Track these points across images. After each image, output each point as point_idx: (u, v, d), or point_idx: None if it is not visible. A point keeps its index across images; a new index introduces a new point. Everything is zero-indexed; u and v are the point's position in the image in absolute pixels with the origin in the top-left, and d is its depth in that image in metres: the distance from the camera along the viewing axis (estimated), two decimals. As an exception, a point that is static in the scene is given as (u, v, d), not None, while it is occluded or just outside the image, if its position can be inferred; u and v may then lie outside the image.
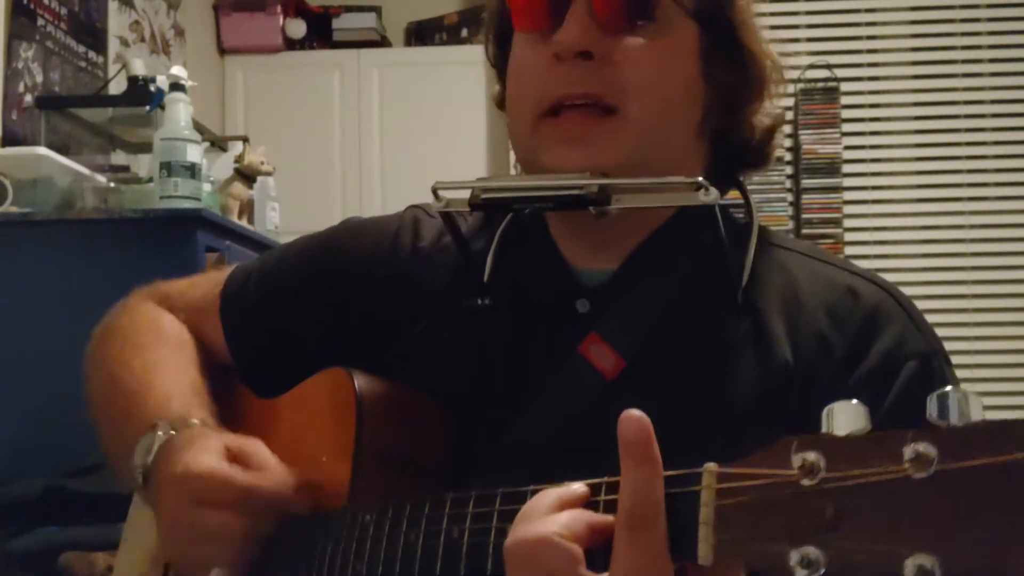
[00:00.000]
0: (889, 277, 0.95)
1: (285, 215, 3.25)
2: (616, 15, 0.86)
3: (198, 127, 2.69)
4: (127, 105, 3.08)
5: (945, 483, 0.48)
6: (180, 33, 4.09)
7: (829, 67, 4.31)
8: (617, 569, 0.61)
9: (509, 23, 0.93)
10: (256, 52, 4.43)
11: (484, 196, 0.83)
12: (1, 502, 2.08)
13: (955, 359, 0.89)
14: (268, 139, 3.65)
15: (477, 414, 0.89)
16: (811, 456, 0.53)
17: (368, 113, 4.39)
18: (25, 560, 1.96)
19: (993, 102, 4.31)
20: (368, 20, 4.49)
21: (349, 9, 4.52)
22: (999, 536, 0.46)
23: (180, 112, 2.56)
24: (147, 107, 2.90)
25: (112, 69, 3.44)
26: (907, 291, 0.92)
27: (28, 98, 2.99)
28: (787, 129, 4.20)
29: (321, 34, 4.50)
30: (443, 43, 4.52)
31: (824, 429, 0.53)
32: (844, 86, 4.32)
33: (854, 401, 0.53)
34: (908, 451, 0.49)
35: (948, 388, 0.50)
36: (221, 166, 3.19)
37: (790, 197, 4.30)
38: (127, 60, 3.29)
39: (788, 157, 4.30)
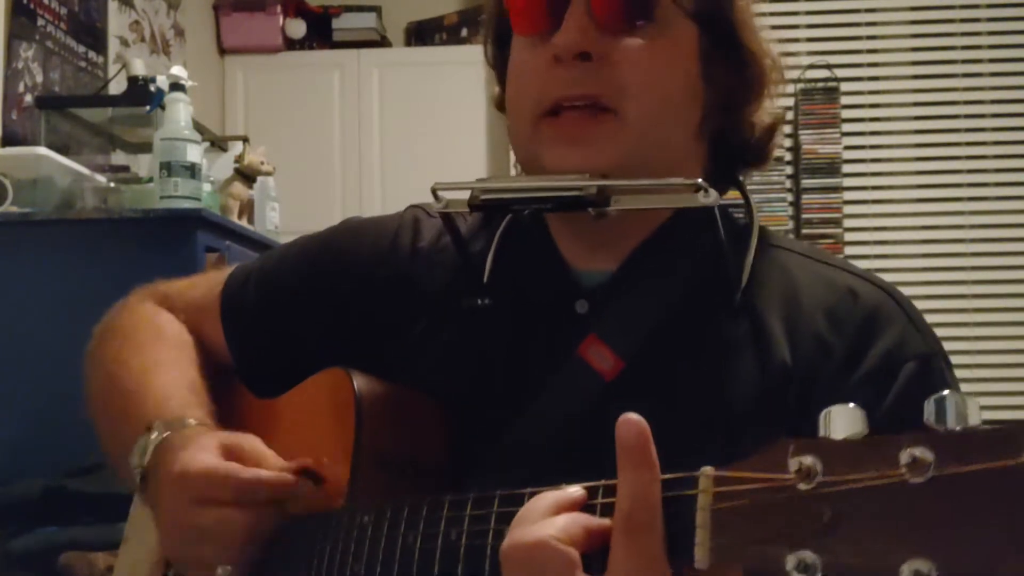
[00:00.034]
0: (889, 277, 0.95)
1: (285, 215, 3.25)
2: (614, 16, 0.86)
3: (198, 127, 2.69)
4: (127, 105, 3.08)
5: (942, 488, 0.48)
6: (180, 33, 4.10)
7: (829, 67, 4.31)
8: (614, 573, 0.61)
9: (508, 25, 0.92)
10: (256, 52, 4.43)
11: (483, 197, 0.83)
12: (1, 502, 2.08)
13: (955, 359, 0.89)
14: (268, 139, 3.65)
15: (476, 414, 0.89)
16: (808, 460, 0.53)
17: (368, 113, 4.39)
18: (25, 560, 1.96)
19: (993, 102, 4.31)
20: (368, 20, 4.49)
21: (349, 9, 4.52)
22: (995, 541, 0.46)
23: (180, 112, 2.56)
24: (147, 107, 2.90)
25: (112, 69, 3.44)
26: (907, 291, 0.92)
27: (28, 98, 2.99)
28: (787, 129, 4.20)
29: (321, 34, 4.50)
30: (443, 43, 4.52)
31: (821, 433, 0.53)
32: (844, 86, 4.32)
33: (851, 405, 0.53)
34: (905, 456, 0.49)
35: (946, 392, 0.50)
36: (221, 166, 3.19)
37: (790, 197, 4.30)
38: (127, 60, 3.29)
39: (788, 157, 4.30)
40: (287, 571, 0.87)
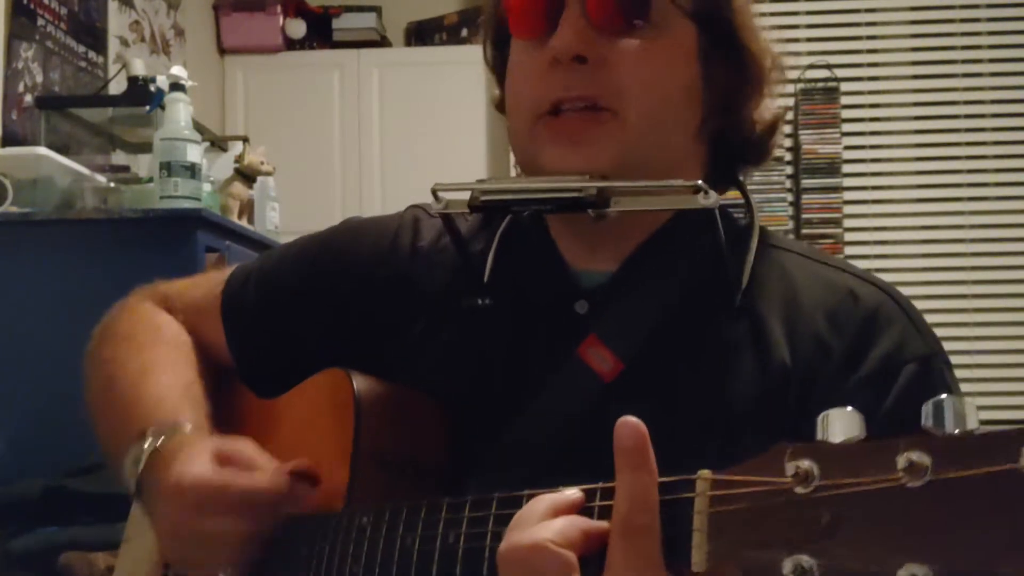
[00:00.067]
0: (889, 277, 0.95)
1: (285, 215, 3.25)
2: (610, 18, 0.86)
3: (198, 127, 2.69)
4: (127, 105, 3.08)
5: (939, 492, 0.48)
6: (180, 33, 4.09)
7: (829, 67, 4.31)
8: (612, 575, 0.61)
9: (506, 28, 0.93)
10: (256, 52, 4.43)
11: (483, 198, 0.83)
12: (1, 502, 2.08)
13: (955, 359, 0.89)
14: (268, 139, 3.66)
15: (476, 414, 0.89)
16: (805, 464, 0.53)
17: (368, 113, 4.39)
18: (25, 560, 1.96)
19: (993, 102, 4.31)
20: (368, 20, 4.49)
21: (349, 9, 4.52)
22: (993, 545, 0.46)
23: (180, 112, 2.57)
24: (147, 107, 2.90)
25: (112, 69, 3.44)
26: (907, 291, 0.92)
27: (28, 98, 2.99)
28: (787, 129, 4.20)
29: (321, 34, 4.50)
30: (443, 43, 4.52)
31: (819, 436, 0.53)
32: (844, 86, 4.32)
33: (849, 408, 0.53)
34: (902, 460, 0.49)
35: (943, 396, 0.50)
36: (221, 166, 3.19)
37: (790, 197, 4.30)
38: (127, 60, 3.29)
39: (788, 157, 4.30)
40: (286, 572, 0.87)
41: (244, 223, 3.01)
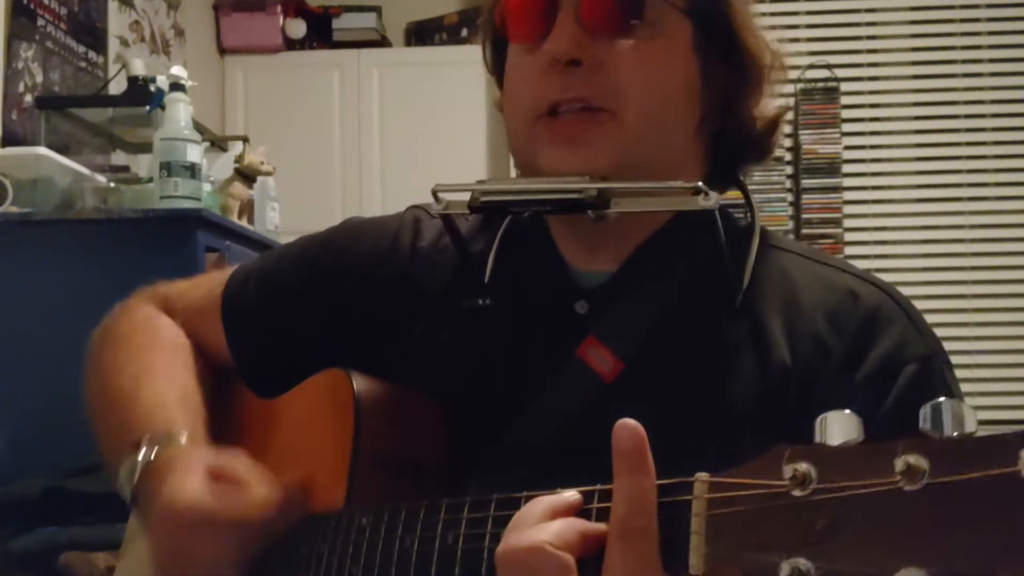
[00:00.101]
0: (889, 277, 0.94)
1: (285, 215, 3.25)
2: (604, 20, 0.86)
3: (198, 127, 2.69)
4: (127, 105, 3.08)
5: (937, 496, 0.48)
6: (180, 33, 4.10)
7: (829, 67, 4.31)
8: (609, 578, 0.61)
9: (503, 31, 0.93)
10: (256, 52, 4.43)
11: (483, 199, 0.83)
12: (1, 502, 2.08)
13: (955, 359, 0.89)
14: (268, 139, 3.65)
15: (476, 414, 0.89)
16: (803, 466, 0.53)
17: (368, 113, 4.39)
18: (25, 560, 1.96)
19: (993, 102, 4.31)
20: (368, 20, 4.49)
21: (349, 9, 4.52)
22: (990, 549, 0.46)
23: (180, 112, 2.57)
24: (147, 107, 2.90)
25: (112, 69, 3.44)
26: (907, 291, 0.92)
27: (28, 98, 2.99)
28: (787, 129, 4.20)
29: (321, 34, 4.50)
30: (443, 43, 4.52)
31: (817, 438, 0.53)
32: (844, 86, 4.32)
33: (847, 411, 0.53)
34: (899, 463, 0.49)
35: (941, 399, 0.50)
36: (221, 166, 3.19)
37: (790, 197, 4.30)
38: (127, 60, 3.29)
39: (788, 157, 4.30)
40: (286, 572, 0.87)
41: (244, 223, 3.01)
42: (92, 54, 3.39)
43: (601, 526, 0.63)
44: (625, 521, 0.61)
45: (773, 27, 0.94)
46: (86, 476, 2.05)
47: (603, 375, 0.85)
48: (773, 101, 0.93)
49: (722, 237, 0.85)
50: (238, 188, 3.11)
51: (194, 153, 2.53)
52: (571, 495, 0.66)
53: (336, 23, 4.50)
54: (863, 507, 0.50)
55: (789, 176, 4.31)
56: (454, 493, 0.77)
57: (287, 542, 0.87)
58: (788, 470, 0.53)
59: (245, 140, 3.34)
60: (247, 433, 1.04)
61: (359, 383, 0.88)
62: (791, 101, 4.23)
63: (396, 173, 4.28)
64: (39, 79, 3.06)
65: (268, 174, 3.18)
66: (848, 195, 4.30)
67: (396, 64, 4.45)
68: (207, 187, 2.76)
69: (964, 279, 4.26)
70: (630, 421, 0.62)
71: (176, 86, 2.62)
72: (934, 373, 0.85)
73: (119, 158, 3.29)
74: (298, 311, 1.02)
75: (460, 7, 4.56)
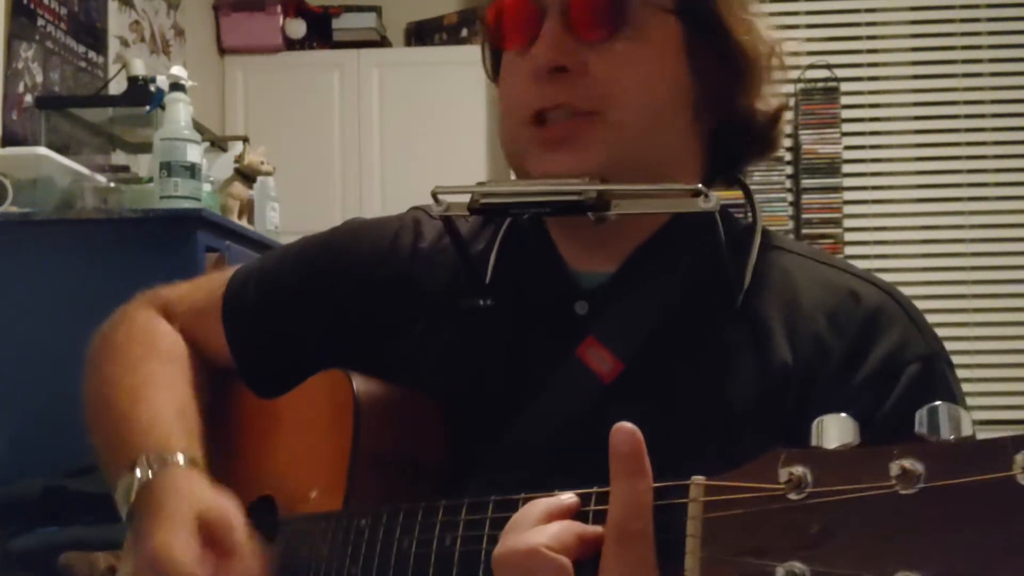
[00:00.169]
0: (889, 277, 0.94)
1: (285, 215, 3.25)
2: (589, 25, 0.86)
3: (198, 127, 2.69)
4: (127, 105, 3.08)
5: (932, 499, 0.48)
6: (180, 33, 4.09)
7: (829, 67, 4.31)
8: (606, 580, 0.61)
9: (496, 37, 0.93)
10: (256, 52, 4.43)
11: (483, 201, 0.83)
12: (1, 502, 2.08)
13: (955, 359, 0.88)
14: (268, 139, 3.65)
15: (476, 414, 0.89)
16: (798, 470, 0.53)
17: (368, 113, 4.38)
18: (25, 560, 1.96)
19: (993, 102, 4.32)
20: (368, 20, 4.49)
21: (349, 9, 4.52)
22: (986, 553, 0.46)
23: (180, 112, 2.56)
24: (147, 107, 2.90)
25: (112, 69, 3.44)
26: (907, 291, 0.91)
27: (28, 98, 2.99)
28: (787, 129, 4.20)
29: (321, 34, 4.50)
30: (443, 43, 4.52)
31: (813, 442, 0.53)
32: (844, 86, 4.33)
33: (843, 414, 0.53)
34: (895, 467, 0.49)
35: (938, 403, 0.50)
36: (221, 166, 3.19)
37: (790, 197, 4.30)
38: (127, 60, 3.29)
39: (788, 157, 4.30)
40: (285, 573, 0.87)
41: (244, 223, 3.01)
42: (92, 54, 3.39)
43: (598, 529, 0.63)
44: (621, 524, 0.61)
45: (773, 27, 0.93)
46: (86, 476, 2.05)
47: (603, 375, 0.85)
48: (773, 94, 0.93)
49: (722, 238, 0.85)
50: (238, 188, 3.11)
51: (194, 153, 2.53)
52: (568, 498, 0.66)
53: (336, 23, 4.49)
54: (859, 511, 0.50)
55: (789, 176, 4.31)
56: (454, 493, 0.77)
57: (287, 542, 0.87)
58: (784, 473, 0.53)
59: (245, 140, 3.34)
60: (247, 433, 1.04)
61: (359, 383, 0.88)
62: (791, 101, 4.23)
63: (396, 173, 4.28)
64: (39, 79, 3.06)
65: (268, 174, 3.18)
66: (848, 195, 4.31)
67: (396, 64, 4.45)
68: (207, 187, 2.76)
69: (964, 279, 4.26)
70: (627, 425, 0.62)
71: (176, 86, 2.62)
72: (936, 373, 0.85)
73: (119, 158, 3.29)
74: (298, 311, 1.02)
75: (460, 7, 4.56)
